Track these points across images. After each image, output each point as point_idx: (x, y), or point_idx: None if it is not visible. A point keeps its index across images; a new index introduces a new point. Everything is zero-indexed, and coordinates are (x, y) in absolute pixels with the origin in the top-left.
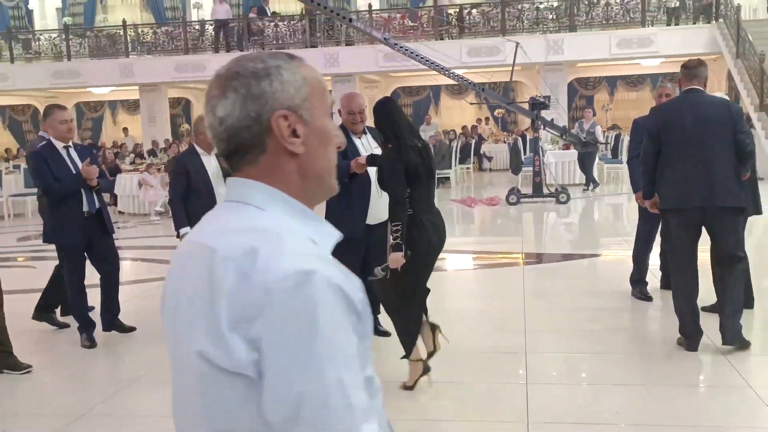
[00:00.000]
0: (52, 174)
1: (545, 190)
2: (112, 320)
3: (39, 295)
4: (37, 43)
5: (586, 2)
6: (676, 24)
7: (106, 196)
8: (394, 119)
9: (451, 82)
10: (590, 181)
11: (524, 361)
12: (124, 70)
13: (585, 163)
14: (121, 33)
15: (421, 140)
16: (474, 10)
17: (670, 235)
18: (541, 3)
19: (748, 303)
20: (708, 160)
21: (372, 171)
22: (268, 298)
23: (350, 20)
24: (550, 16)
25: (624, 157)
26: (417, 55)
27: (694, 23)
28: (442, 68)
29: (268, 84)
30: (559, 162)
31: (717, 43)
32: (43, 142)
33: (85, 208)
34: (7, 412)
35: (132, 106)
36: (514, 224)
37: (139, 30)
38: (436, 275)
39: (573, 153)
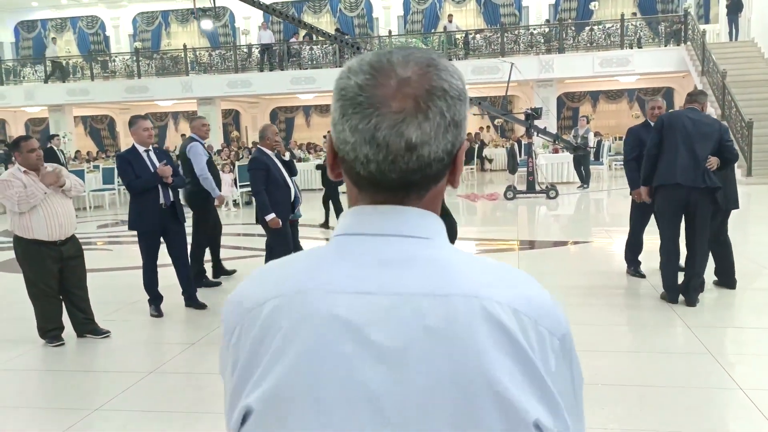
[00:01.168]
0: (134, 172)
1: (537, 188)
2: (190, 298)
3: (116, 272)
4: (112, 63)
5: (573, 28)
6: (638, 47)
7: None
8: None
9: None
10: (587, 179)
11: None
12: (185, 86)
13: (581, 163)
14: (182, 55)
15: None
16: (478, 35)
17: (660, 208)
18: (534, 29)
19: (731, 283)
20: (695, 155)
21: None
22: (561, 344)
23: (358, 47)
24: (542, 40)
25: (605, 159)
26: None
27: (666, 46)
28: None
29: (465, 109)
30: (549, 163)
31: (685, 62)
32: (128, 148)
33: (161, 200)
34: (90, 369)
35: (191, 117)
36: (511, 216)
37: (197, 52)
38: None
39: (562, 156)
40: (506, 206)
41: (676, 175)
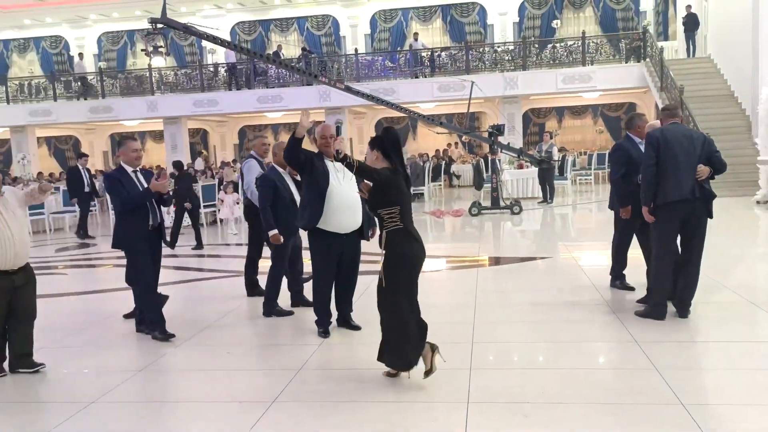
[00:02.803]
0: (126, 190)
1: (501, 203)
2: (139, 323)
3: (73, 297)
4: (76, 83)
5: (536, 45)
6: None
7: None
8: (399, 147)
9: (423, 113)
10: (552, 194)
11: (470, 350)
12: (150, 105)
13: (545, 178)
14: (148, 75)
15: (402, 168)
16: (443, 53)
17: (659, 228)
18: (499, 46)
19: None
20: (693, 167)
21: (342, 177)
22: None
23: (315, 76)
24: (507, 57)
25: (569, 174)
26: (356, 91)
27: (626, 62)
28: (388, 103)
29: None
30: (515, 179)
31: (645, 78)
32: (116, 168)
33: (150, 222)
34: (32, 399)
35: (157, 136)
36: (476, 232)
37: (163, 72)
38: None
39: (528, 171)
40: (471, 222)
41: (683, 191)
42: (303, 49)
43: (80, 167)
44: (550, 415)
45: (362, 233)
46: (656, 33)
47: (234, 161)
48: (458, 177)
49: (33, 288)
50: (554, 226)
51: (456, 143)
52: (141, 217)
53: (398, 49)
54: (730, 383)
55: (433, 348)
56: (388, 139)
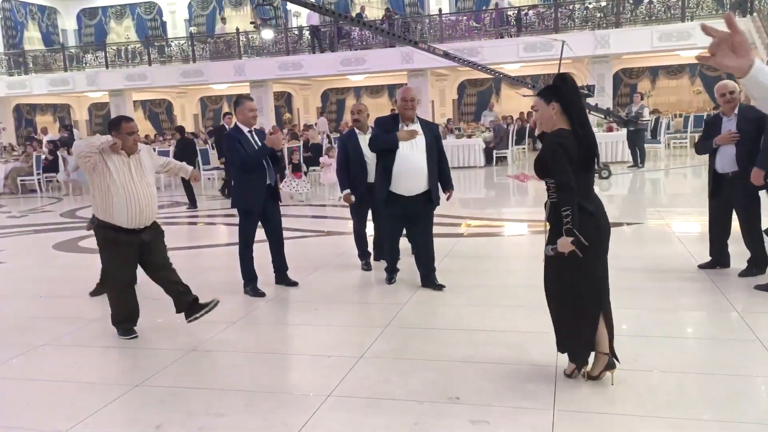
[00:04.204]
0: (244, 149)
1: None
2: (282, 276)
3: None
4: (169, 48)
5: (631, 1)
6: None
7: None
8: (580, 98)
9: (508, 73)
10: (643, 158)
11: None
12: (238, 69)
13: (635, 141)
14: (235, 39)
15: (584, 128)
16: (531, 11)
17: None
18: (590, 3)
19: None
20: None
21: (415, 143)
22: None
23: (416, 43)
24: (598, 15)
25: (663, 137)
26: (452, 56)
27: None
28: (473, 64)
29: None
30: (604, 142)
31: (751, 34)
32: (232, 126)
33: (268, 180)
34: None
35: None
36: None
37: (250, 36)
38: (486, 242)
39: (617, 134)
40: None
41: None
42: (387, 10)
43: (226, 126)
44: (644, 383)
45: (430, 195)
46: None
47: (316, 124)
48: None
49: (161, 241)
50: (645, 191)
51: None
52: (258, 176)
53: (483, 8)
54: None
55: (610, 366)
56: (568, 90)
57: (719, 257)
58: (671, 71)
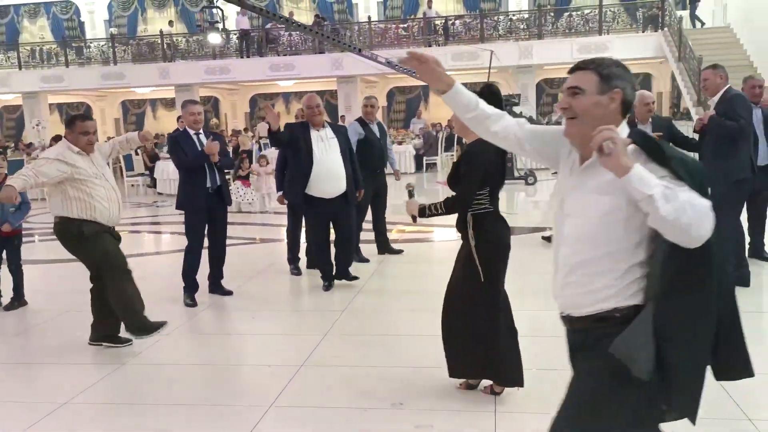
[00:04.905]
0: (183, 152)
1: (516, 173)
2: (217, 285)
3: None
4: (88, 49)
5: (552, 14)
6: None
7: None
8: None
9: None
10: None
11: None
12: (162, 72)
13: None
14: (159, 41)
15: None
16: (457, 21)
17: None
18: (513, 15)
19: None
20: None
21: (329, 147)
22: None
23: (359, 50)
24: (522, 26)
25: None
26: (393, 64)
27: (644, 32)
28: (412, 73)
29: None
30: None
31: (662, 48)
32: (179, 130)
33: (208, 184)
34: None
35: (169, 104)
36: None
37: (174, 39)
38: (420, 247)
39: None
40: None
41: None
42: (316, 16)
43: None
44: None
45: (347, 197)
46: (675, 1)
47: (245, 129)
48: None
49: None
50: None
51: None
52: (199, 179)
53: (411, 17)
54: None
55: None
56: (492, 102)
57: None
58: None
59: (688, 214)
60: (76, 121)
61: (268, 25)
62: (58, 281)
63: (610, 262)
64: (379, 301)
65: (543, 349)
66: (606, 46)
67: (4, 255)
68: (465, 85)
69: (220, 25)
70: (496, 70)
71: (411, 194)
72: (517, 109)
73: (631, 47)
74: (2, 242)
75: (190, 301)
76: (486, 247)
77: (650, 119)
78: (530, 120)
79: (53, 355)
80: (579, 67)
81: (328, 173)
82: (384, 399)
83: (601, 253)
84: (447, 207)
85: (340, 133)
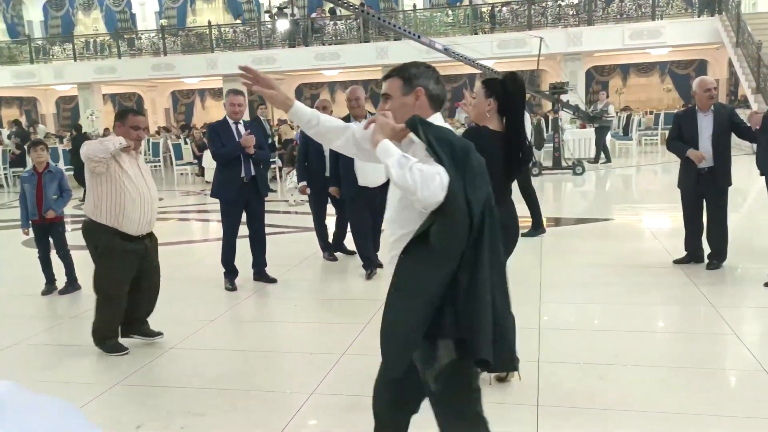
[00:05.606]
0: (220, 142)
1: (563, 164)
2: (261, 272)
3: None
4: (139, 41)
5: None
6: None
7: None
8: (522, 103)
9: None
10: (607, 154)
11: (538, 310)
12: (210, 63)
13: (596, 137)
14: (207, 32)
15: (518, 135)
16: (504, 8)
17: None
18: (562, 1)
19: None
20: None
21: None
22: None
23: (393, 24)
24: (571, 12)
25: (634, 134)
26: (450, 51)
27: (699, 16)
28: (472, 61)
29: None
30: (577, 139)
31: (719, 33)
32: (220, 119)
33: (242, 174)
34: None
35: (217, 94)
36: (537, 193)
37: (222, 29)
38: None
39: (589, 131)
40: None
41: None
42: (361, 4)
43: (260, 117)
44: (626, 377)
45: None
46: None
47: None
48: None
49: (156, 250)
50: (619, 187)
51: None
52: (234, 169)
53: (457, 4)
54: None
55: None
56: (513, 91)
57: (694, 252)
58: (642, 69)
59: (415, 178)
60: (128, 114)
61: (313, 15)
62: None
63: (409, 226)
64: None
65: (588, 342)
66: (659, 32)
67: (51, 242)
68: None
69: (289, 11)
70: (544, 57)
71: None
72: (564, 97)
73: (686, 33)
74: (47, 229)
75: (230, 285)
76: None
77: (712, 107)
78: (576, 109)
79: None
80: (387, 76)
81: (370, 163)
82: None
83: (406, 232)
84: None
85: None
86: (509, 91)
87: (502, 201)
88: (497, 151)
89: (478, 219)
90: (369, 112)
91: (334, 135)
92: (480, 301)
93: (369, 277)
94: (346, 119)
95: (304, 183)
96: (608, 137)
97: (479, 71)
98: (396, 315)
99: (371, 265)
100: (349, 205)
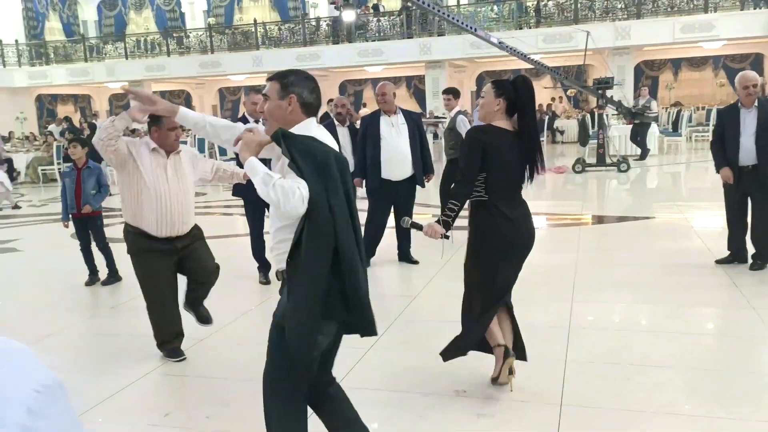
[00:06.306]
0: None
1: (608, 160)
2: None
3: None
4: (187, 39)
5: None
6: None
7: None
8: (532, 105)
9: (528, 66)
10: (644, 151)
11: (570, 309)
12: (255, 60)
13: (638, 134)
14: (253, 30)
15: (529, 134)
16: (550, 2)
17: None
18: None
19: None
20: None
21: (399, 132)
22: None
23: (448, 15)
24: (619, 5)
25: (684, 130)
26: (504, 45)
27: (755, 8)
28: (525, 56)
29: None
30: (623, 135)
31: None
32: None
33: None
34: None
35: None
36: (580, 189)
37: (267, 27)
38: None
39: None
40: (574, 179)
41: None
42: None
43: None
44: (654, 379)
45: (414, 180)
46: None
47: None
48: (562, 132)
49: (202, 247)
50: (665, 184)
51: (561, 97)
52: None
53: None
54: None
55: (507, 354)
56: (524, 92)
57: (738, 252)
58: (694, 63)
59: (277, 194)
60: (162, 118)
61: (358, 11)
62: None
63: (285, 233)
64: (453, 285)
65: (619, 343)
66: (711, 25)
67: (91, 236)
68: (557, 68)
69: (354, 2)
70: (591, 52)
71: (416, 226)
72: (609, 93)
73: (739, 26)
74: (85, 222)
75: (264, 279)
76: (473, 235)
77: (756, 103)
78: (619, 104)
79: (140, 329)
80: (269, 78)
81: (395, 156)
82: (448, 386)
83: (280, 225)
84: (454, 198)
85: (411, 118)
86: (519, 92)
87: (513, 199)
88: (504, 147)
89: (343, 216)
90: (399, 108)
91: (223, 131)
92: (359, 285)
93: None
94: (375, 115)
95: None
96: (656, 133)
97: (532, 66)
98: (298, 311)
99: (370, 256)
100: (371, 196)
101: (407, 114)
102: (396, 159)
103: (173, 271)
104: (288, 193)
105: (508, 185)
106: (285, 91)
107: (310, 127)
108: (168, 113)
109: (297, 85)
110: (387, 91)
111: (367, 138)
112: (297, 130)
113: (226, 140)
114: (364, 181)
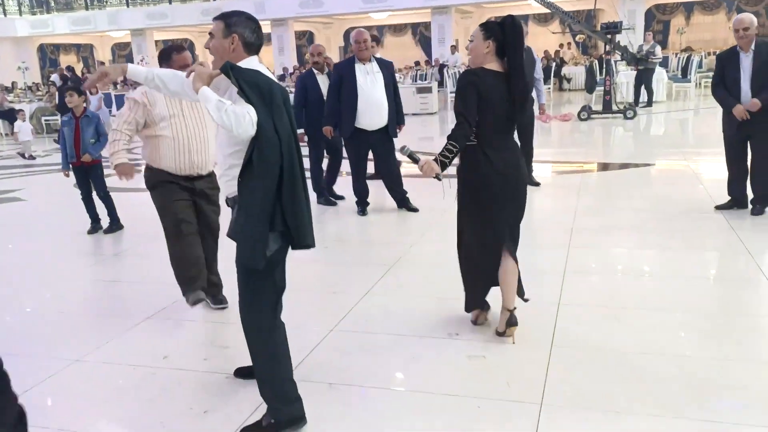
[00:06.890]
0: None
1: (614, 107)
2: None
3: None
4: None
5: None
6: None
7: None
8: (521, 45)
9: (537, 11)
10: (650, 98)
11: (566, 254)
12: (258, 7)
13: (643, 80)
14: None
15: (517, 76)
16: None
17: None
18: None
19: None
20: None
21: (375, 80)
22: None
23: None
24: None
25: (693, 76)
26: None
27: None
28: None
29: None
30: (630, 82)
31: None
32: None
33: None
34: None
35: (266, 39)
36: (584, 137)
37: None
38: None
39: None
40: (580, 127)
41: None
42: None
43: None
44: (645, 320)
45: (387, 130)
46: None
47: None
48: (569, 80)
49: (213, 203)
50: (671, 131)
51: (569, 44)
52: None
53: None
54: None
55: (511, 322)
56: (512, 33)
57: (738, 198)
58: (707, 6)
59: (230, 118)
60: (172, 54)
61: None
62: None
63: (235, 158)
64: (452, 233)
65: (612, 287)
66: None
67: (92, 185)
68: (567, 13)
69: None
70: None
71: (414, 157)
72: (618, 38)
73: None
74: (86, 171)
75: (362, 213)
76: (462, 180)
77: (752, 47)
78: (624, 49)
79: (141, 275)
80: (215, 18)
81: (371, 105)
82: (441, 329)
83: (231, 151)
84: (453, 139)
85: (386, 67)
86: (507, 33)
87: (503, 144)
88: (496, 89)
89: (287, 139)
90: (373, 56)
91: (170, 82)
92: (300, 200)
93: (361, 213)
94: (350, 62)
95: (302, 131)
96: (664, 79)
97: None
98: (250, 222)
99: (362, 203)
100: (347, 144)
101: (381, 62)
102: (372, 108)
103: (193, 209)
104: (239, 117)
105: (498, 128)
106: (228, 30)
107: (253, 63)
108: (119, 75)
109: (239, 25)
110: (367, 38)
111: (343, 85)
112: (243, 65)
113: (173, 90)
114: (335, 130)
